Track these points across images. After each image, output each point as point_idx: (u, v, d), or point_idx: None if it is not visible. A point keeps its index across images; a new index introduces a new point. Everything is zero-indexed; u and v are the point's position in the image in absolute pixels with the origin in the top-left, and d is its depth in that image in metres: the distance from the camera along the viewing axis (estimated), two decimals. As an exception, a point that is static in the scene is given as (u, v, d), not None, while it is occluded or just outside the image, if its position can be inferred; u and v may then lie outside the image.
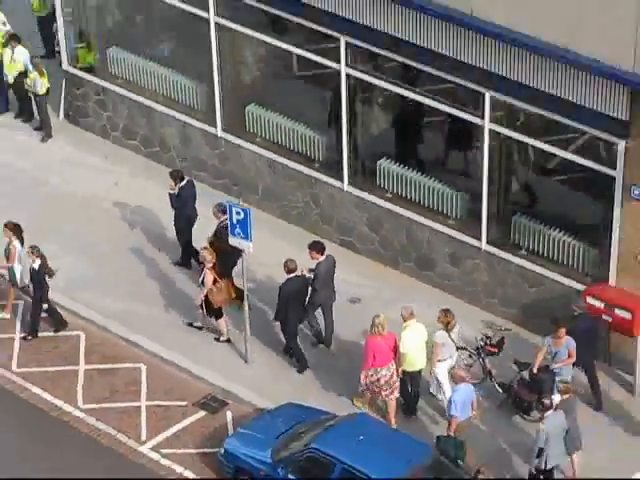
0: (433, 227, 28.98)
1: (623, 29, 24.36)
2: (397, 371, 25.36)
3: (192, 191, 29.57)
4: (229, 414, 26.23)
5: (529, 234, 28.33)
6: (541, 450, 23.25)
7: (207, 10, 30.81)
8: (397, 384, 25.43)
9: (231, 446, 24.47)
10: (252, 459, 24.04)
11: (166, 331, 28.46)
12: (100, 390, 26.68)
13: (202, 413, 26.29)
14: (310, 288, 26.84)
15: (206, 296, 27.13)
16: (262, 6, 29.92)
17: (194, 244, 29.32)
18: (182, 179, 29.42)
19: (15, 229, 27.78)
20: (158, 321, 28.76)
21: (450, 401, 23.86)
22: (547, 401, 23.70)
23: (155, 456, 24.99)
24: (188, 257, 29.79)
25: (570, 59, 24.87)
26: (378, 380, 24.91)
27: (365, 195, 30.13)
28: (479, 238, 28.19)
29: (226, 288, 27.27)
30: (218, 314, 27.79)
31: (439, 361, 25.31)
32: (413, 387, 26.08)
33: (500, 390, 25.98)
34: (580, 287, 26.97)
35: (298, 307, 26.44)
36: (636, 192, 25.62)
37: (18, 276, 27.82)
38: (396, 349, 25.06)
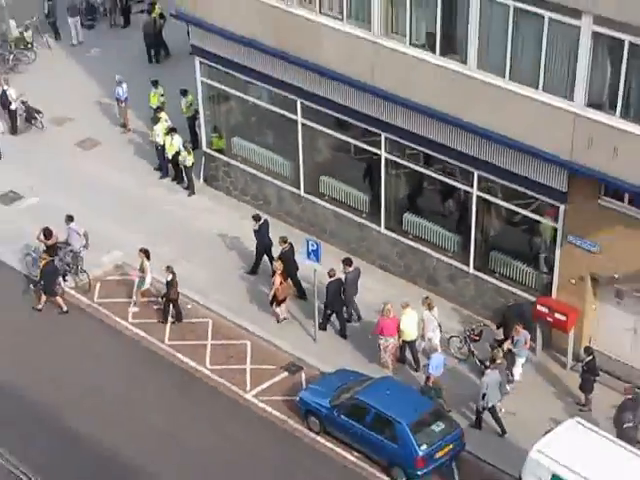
0: (438, 257, 31.17)
1: (564, 132, 26.13)
2: (399, 340, 28.70)
3: (267, 228, 31.00)
4: (303, 375, 29.07)
5: (501, 263, 30.43)
6: (484, 395, 25.84)
7: (296, 114, 32.38)
8: (398, 348, 29.40)
9: (304, 396, 27.42)
10: (317, 405, 26.86)
11: (262, 319, 30.04)
12: (221, 357, 29.46)
13: (285, 374, 29.06)
14: (343, 287, 29.61)
15: (274, 292, 30.97)
16: (330, 111, 31.64)
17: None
18: (260, 219, 31.23)
19: (146, 252, 29.18)
20: (257, 312, 30.06)
21: (428, 364, 26.60)
22: (487, 363, 26.69)
23: (254, 400, 27.89)
24: (256, 268, 30.80)
25: (530, 150, 26.70)
26: (388, 346, 27.50)
27: (395, 235, 31.92)
28: (468, 265, 30.56)
29: (287, 287, 29.59)
30: (281, 303, 30.22)
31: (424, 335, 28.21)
32: (411, 351, 28.28)
33: (479, 363, 27.71)
34: (532, 299, 29.42)
35: (338, 298, 29.01)
36: (571, 239, 28.06)
37: (147, 282, 29.06)
38: (398, 327, 27.94)
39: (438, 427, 25.51)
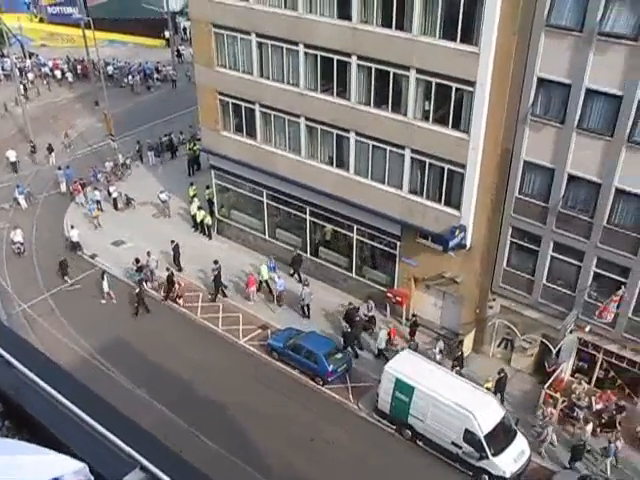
0: (336, 270, 37.32)
1: (398, 205, 31.67)
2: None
3: (220, 269, 36.12)
4: (269, 331, 33.73)
5: (368, 272, 35.91)
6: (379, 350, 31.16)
7: (263, 197, 38.42)
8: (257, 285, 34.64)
9: (270, 341, 32.34)
10: (277, 346, 31.86)
11: (246, 303, 35.78)
12: (229, 323, 34.52)
13: (260, 330, 33.98)
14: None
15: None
16: (282, 196, 37.28)
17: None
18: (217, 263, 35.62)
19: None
20: (244, 300, 35.94)
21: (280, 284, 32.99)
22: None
23: (245, 344, 33.14)
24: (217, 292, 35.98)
25: (382, 214, 32.22)
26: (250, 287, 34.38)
27: (314, 258, 38.00)
28: (352, 272, 36.54)
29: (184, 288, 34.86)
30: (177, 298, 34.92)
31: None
32: (268, 287, 35.50)
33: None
34: (385, 289, 34.25)
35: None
36: (403, 259, 32.87)
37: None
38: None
39: (339, 356, 30.89)
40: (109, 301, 35.36)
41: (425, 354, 30.22)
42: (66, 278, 36.49)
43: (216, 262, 35.05)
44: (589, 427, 26.88)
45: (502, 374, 29.06)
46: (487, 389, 27.85)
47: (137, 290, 34.50)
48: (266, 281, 35.43)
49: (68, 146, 50.44)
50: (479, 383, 28.10)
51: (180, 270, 36.75)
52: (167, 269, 35.40)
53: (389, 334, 31.76)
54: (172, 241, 37.51)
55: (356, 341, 32.06)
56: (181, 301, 35.15)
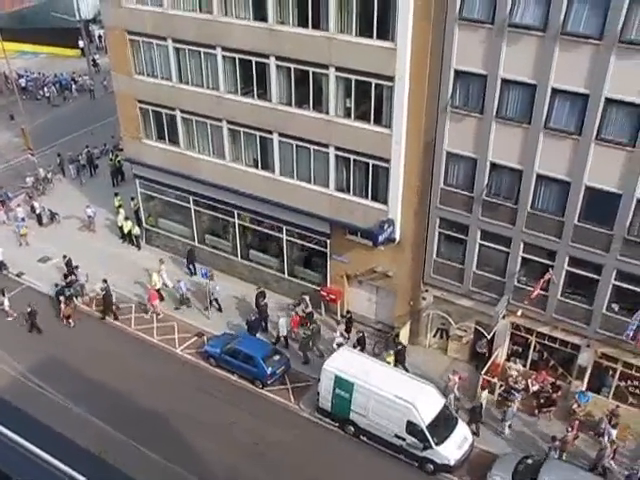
0: (268, 271, 36.66)
1: (326, 203, 31.51)
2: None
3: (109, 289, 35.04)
4: (205, 337, 33.40)
5: (300, 271, 35.65)
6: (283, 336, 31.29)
7: (189, 204, 38.47)
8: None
9: (206, 347, 32.03)
10: (214, 352, 31.61)
11: (180, 312, 35.23)
12: (165, 331, 34.14)
13: (195, 337, 33.70)
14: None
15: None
16: (207, 201, 36.79)
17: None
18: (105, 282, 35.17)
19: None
20: (187, 310, 35.47)
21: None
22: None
23: (181, 353, 32.84)
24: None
25: (311, 213, 32.15)
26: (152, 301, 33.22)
27: (245, 262, 37.66)
28: (284, 273, 36.09)
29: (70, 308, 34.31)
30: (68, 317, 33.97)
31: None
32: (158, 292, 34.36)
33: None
34: (318, 288, 34.21)
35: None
36: (334, 256, 33.03)
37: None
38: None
39: (276, 358, 30.66)
40: (12, 317, 34.98)
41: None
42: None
43: (105, 281, 34.84)
44: (484, 394, 28.33)
45: (399, 346, 29.64)
46: (387, 362, 28.71)
47: (71, 304, 34.86)
48: (160, 289, 35.28)
49: None
50: (416, 374, 28.44)
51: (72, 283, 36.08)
52: (104, 281, 35.19)
53: (291, 323, 32.31)
54: (64, 256, 37.43)
55: (263, 324, 32.66)
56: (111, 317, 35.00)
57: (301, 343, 31.19)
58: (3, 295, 34.41)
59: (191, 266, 36.55)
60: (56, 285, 35.55)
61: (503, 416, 27.42)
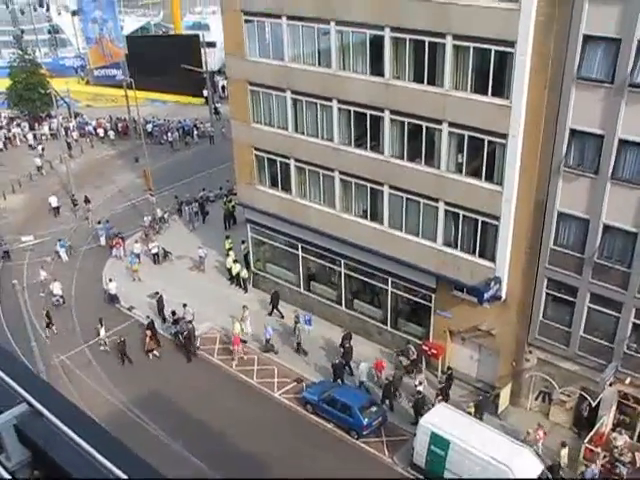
0: (372, 322, 36.55)
1: (433, 258, 31.19)
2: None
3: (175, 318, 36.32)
4: (304, 384, 33.50)
5: (403, 324, 35.50)
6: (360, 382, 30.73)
7: (298, 250, 38.72)
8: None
9: (304, 394, 32.23)
10: (312, 399, 31.79)
11: (281, 355, 35.58)
12: (264, 375, 34.61)
13: (294, 383, 33.82)
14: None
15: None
16: (315, 249, 37.01)
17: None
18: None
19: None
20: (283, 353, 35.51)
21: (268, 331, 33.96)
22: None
23: (279, 398, 32.96)
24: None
25: (418, 267, 32.04)
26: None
27: (349, 311, 37.57)
28: (387, 325, 35.68)
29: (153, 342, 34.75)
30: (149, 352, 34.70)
31: None
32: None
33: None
34: (420, 342, 33.57)
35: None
36: (438, 311, 32.48)
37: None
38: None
39: (373, 409, 30.32)
40: (104, 347, 36.07)
41: (460, 407, 29.87)
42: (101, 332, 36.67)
43: (190, 322, 36.06)
44: (563, 451, 27.80)
45: (388, 379, 30.74)
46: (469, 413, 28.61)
47: (182, 339, 35.61)
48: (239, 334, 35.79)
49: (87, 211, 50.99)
50: (517, 437, 27.62)
51: (164, 321, 37.63)
52: (189, 322, 36.17)
53: (375, 367, 32.37)
54: (156, 292, 38.54)
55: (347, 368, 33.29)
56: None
57: (384, 389, 31.16)
58: (101, 325, 35.72)
59: (276, 311, 37.67)
60: (147, 317, 37.23)
61: (582, 476, 26.37)
